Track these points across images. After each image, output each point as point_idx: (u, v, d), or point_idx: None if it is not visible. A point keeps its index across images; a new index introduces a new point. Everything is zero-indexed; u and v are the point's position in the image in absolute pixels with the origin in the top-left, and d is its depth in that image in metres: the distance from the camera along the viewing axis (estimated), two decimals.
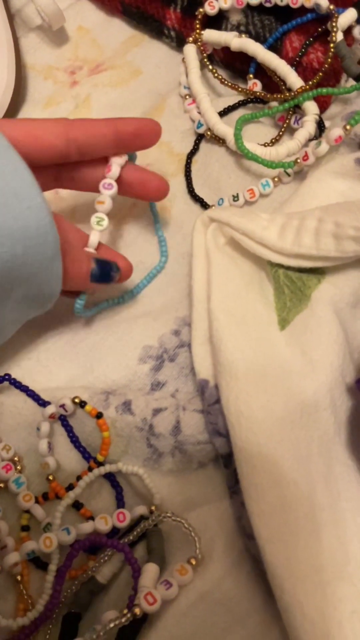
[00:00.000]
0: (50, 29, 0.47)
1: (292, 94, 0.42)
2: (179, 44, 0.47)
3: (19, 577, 0.33)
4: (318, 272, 0.35)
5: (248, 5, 0.44)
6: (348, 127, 0.38)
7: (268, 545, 0.29)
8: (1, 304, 0.31)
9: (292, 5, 0.43)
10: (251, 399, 0.32)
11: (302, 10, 0.43)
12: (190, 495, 0.34)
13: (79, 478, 0.34)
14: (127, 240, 0.42)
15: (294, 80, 0.42)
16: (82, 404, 0.34)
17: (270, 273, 0.36)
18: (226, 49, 0.45)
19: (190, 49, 0.45)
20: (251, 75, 0.45)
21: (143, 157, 0.44)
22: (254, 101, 0.45)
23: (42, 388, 0.36)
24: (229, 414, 0.32)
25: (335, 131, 0.38)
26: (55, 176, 0.37)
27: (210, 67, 0.45)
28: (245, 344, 0.33)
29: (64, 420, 0.35)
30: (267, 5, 0.43)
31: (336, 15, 0.41)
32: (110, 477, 0.35)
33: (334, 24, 0.41)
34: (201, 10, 0.44)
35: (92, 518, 0.33)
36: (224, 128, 0.42)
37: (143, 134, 0.36)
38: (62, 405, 0.34)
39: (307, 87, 0.42)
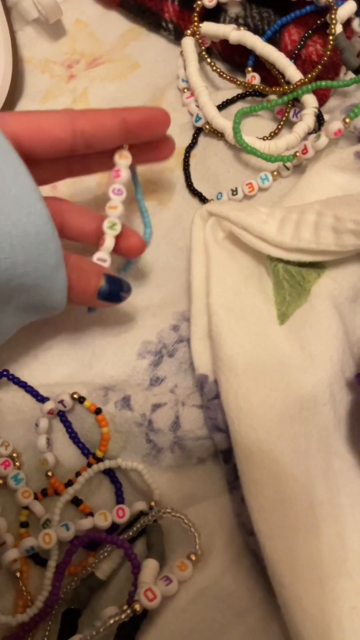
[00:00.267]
0: (47, 22, 0.47)
1: (291, 87, 0.42)
2: (177, 37, 0.47)
3: (18, 574, 0.32)
4: (317, 266, 0.35)
5: None
6: (347, 120, 0.38)
7: (268, 540, 0.29)
8: (1, 311, 0.30)
9: None
10: (250, 394, 0.32)
11: (301, 2, 0.42)
12: (190, 491, 0.34)
13: (78, 474, 0.34)
14: None
15: (293, 73, 0.42)
16: (81, 400, 0.34)
17: (270, 267, 0.35)
18: (224, 42, 0.44)
19: (188, 42, 0.45)
20: (250, 69, 0.45)
21: None
22: (253, 94, 0.44)
23: (40, 384, 0.35)
24: (228, 409, 0.32)
25: (334, 124, 0.38)
26: (67, 166, 0.35)
27: (209, 60, 0.44)
28: (244, 339, 0.33)
29: (62, 416, 0.35)
30: None
31: (335, 8, 0.41)
32: (109, 473, 0.35)
33: (333, 16, 0.41)
34: (199, 2, 0.44)
35: (91, 514, 0.33)
36: (223, 121, 0.42)
37: (151, 124, 0.35)
38: (61, 401, 0.34)
39: (306, 80, 0.41)
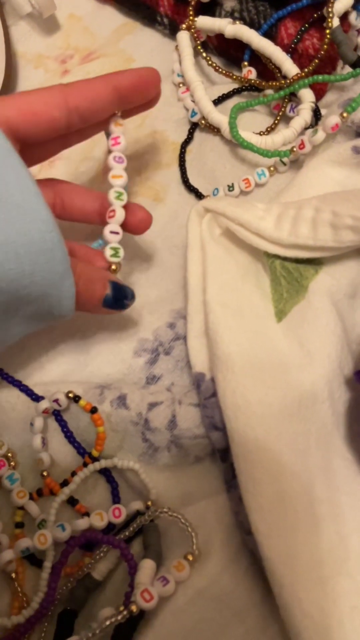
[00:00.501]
0: (40, 17, 0.47)
1: (288, 81, 0.41)
2: (172, 31, 0.47)
3: (13, 575, 0.32)
4: (315, 262, 0.35)
5: None
6: (345, 114, 0.37)
7: (266, 540, 0.29)
8: (8, 321, 0.30)
9: None
10: (248, 392, 0.31)
11: None
12: (187, 490, 0.34)
13: (73, 474, 0.34)
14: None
15: (290, 67, 0.42)
16: (76, 399, 0.33)
17: (267, 264, 0.35)
18: (220, 36, 0.44)
19: (183, 36, 0.44)
20: (246, 63, 0.44)
21: (138, 148, 0.43)
22: (249, 89, 0.44)
23: (35, 383, 0.35)
24: (225, 408, 0.31)
25: (331, 119, 0.37)
26: (62, 141, 0.34)
27: (204, 54, 0.44)
28: (241, 337, 0.33)
29: (58, 415, 0.35)
30: None
31: (332, 1, 0.40)
32: (105, 473, 0.34)
33: (329, 10, 0.40)
34: None
35: (87, 514, 0.33)
36: (219, 116, 0.42)
37: (143, 85, 0.34)
38: (56, 400, 0.33)
39: (303, 74, 0.41)
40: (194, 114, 0.43)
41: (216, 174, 0.42)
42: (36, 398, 0.34)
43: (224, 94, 0.44)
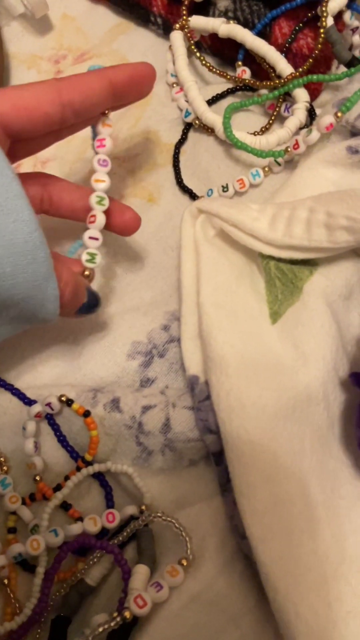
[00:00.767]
0: (33, 17, 0.46)
1: (282, 81, 0.41)
2: (165, 31, 0.46)
3: (5, 581, 0.32)
4: (310, 263, 0.35)
5: None
6: (339, 114, 0.37)
7: (261, 544, 0.29)
8: None
9: None
10: (242, 394, 0.31)
11: None
12: (181, 494, 0.33)
13: (66, 478, 0.33)
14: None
15: (284, 67, 0.41)
16: (69, 402, 0.33)
17: (261, 265, 0.35)
18: (214, 36, 0.44)
19: (177, 36, 0.44)
20: (240, 63, 0.44)
21: (130, 148, 0.43)
22: (243, 89, 0.44)
23: (27, 386, 0.35)
24: (219, 411, 0.31)
25: (326, 119, 0.37)
26: (54, 135, 0.34)
27: (198, 54, 0.44)
28: (235, 338, 0.33)
29: (50, 419, 0.34)
30: None
31: (326, 0, 0.40)
32: (99, 477, 0.34)
33: (324, 9, 0.40)
34: None
35: (80, 519, 0.33)
36: (213, 117, 0.41)
37: (138, 81, 0.33)
38: (49, 404, 0.33)
39: (297, 74, 0.41)
40: (187, 114, 0.43)
41: (210, 174, 0.42)
42: (28, 402, 0.34)
43: (218, 94, 0.44)
